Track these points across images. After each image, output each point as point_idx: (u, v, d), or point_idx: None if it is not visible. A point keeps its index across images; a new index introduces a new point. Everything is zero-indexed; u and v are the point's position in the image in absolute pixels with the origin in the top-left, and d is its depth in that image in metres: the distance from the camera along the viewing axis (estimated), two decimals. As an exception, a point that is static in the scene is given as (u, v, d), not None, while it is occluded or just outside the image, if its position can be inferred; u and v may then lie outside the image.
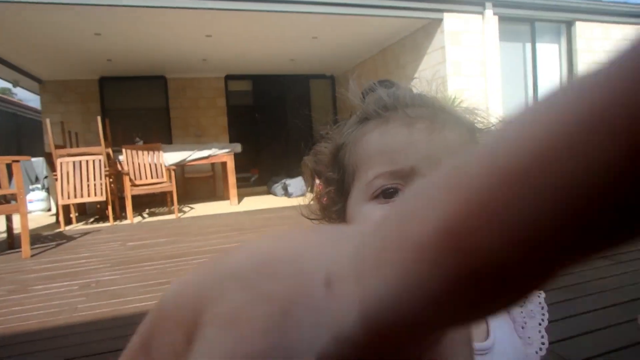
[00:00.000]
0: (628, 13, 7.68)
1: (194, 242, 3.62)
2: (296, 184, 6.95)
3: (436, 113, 0.43)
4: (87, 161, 5.27)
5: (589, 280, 2.01)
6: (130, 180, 5.55)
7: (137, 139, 6.67)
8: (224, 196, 7.35)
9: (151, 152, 5.93)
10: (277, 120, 9.61)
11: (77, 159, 5.27)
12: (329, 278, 0.12)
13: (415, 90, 0.50)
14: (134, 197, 5.52)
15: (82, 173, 5.21)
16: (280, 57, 8.05)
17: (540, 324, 0.52)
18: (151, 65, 7.74)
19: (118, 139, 6.76)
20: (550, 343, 0.52)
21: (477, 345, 0.44)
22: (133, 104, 8.54)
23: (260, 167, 9.83)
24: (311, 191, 0.55)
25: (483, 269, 0.10)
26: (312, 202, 0.54)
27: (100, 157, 5.36)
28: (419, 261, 0.11)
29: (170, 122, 8.56)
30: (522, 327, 0.51)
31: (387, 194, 0.41)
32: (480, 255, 0.10)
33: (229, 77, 9.01)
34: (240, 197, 6.76)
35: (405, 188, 0.40)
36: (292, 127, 9.32)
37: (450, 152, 0.40)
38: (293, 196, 6.73)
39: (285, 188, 7.12)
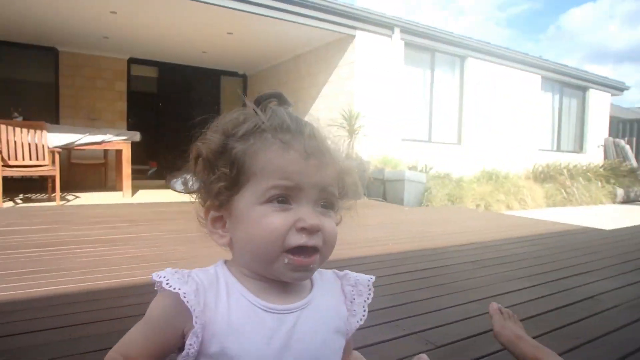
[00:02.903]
0: (513, 58, 8.85)
1: (77, 231, 3.31)
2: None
3: (324, 152, 0.56)
4: (-53, 132, 4.51)
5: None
6: (3, 159, 4.88)
7: (16, 114, 5.88)
8: (116, 187, 6.80)
9: (32, 131, 5.27)
10: (183, 113, 9.19)
11: None
12: None
13: (310, 115, 0.63)
14: (5, 180, 4.86)
15: (-61, 145, 4.44)
16: (192, 48, 7.76)
17: (365, 301, 0.65)
18: (40, 33, 6.90)
19: (-9, 111, 5.89)
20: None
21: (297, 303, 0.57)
22: (13, 74, 7.53)
23: (160, 160, 9.30)
24: (194, 174, 0.61)
25: None
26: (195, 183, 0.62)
27: (-34, 129, 4.62)
28: None
29: (59, 100, 7.70)
30: (351, 302, 0.64)
31: (279, 200, 0.53)
32: None
33: (132, 60, 8.41)
34: (134, 190, 6.32)
35: (291, 199, 0.54)
36: (198, 121, 8.98)
37: (327, 183, 0.56)
38: (180, 191, 6.47)
39: (185, 183, 6.83)
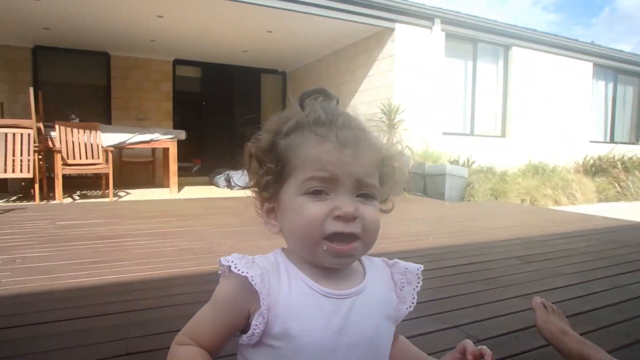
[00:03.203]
0: (561, 45, 8.44)
1: (131, 224, 3.52)
2: (240, 176, 6.86)
3: (360, 141, 0.58)
4: (14, 134, 4.90)
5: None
6: (63, 158, 5.25)
7: (73, 116, 6.30)
8: (164, 184, 7.14)
9: (88, 131, 5.64)
10: (225, 111, 9.47)
11: (3, 130, 4.88)
12: None
13: (349, 110, 0.64)
14: (64, 178, 5.23)
15: (7, 147, 4.84)
16: (233, 47, 7.96)
17: (414, 289, 0.68)
18: (94, 39, 7.33)
19: (51, 114, 6.34)
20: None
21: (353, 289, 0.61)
22: (71, 78, 8.03)
23: (204, 157, 9.61)
24: (249, 171, 0.65)
25: None
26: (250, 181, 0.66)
27: (30, 131, 5.01)
28: None
29: (111, 102, 8.16)
30: (401, 289, 0.68)
31: (317, 191, 0.57)
32: None
33: (177, 62, 8.75)
34: (180, 186, 6.60)
35: (329, 190, 0.56)
36: (239, 119, 9.22)
37: (364, 172, 0.58)
38: (236, 188, 6.68)
39: (228, 180, 7.04)
